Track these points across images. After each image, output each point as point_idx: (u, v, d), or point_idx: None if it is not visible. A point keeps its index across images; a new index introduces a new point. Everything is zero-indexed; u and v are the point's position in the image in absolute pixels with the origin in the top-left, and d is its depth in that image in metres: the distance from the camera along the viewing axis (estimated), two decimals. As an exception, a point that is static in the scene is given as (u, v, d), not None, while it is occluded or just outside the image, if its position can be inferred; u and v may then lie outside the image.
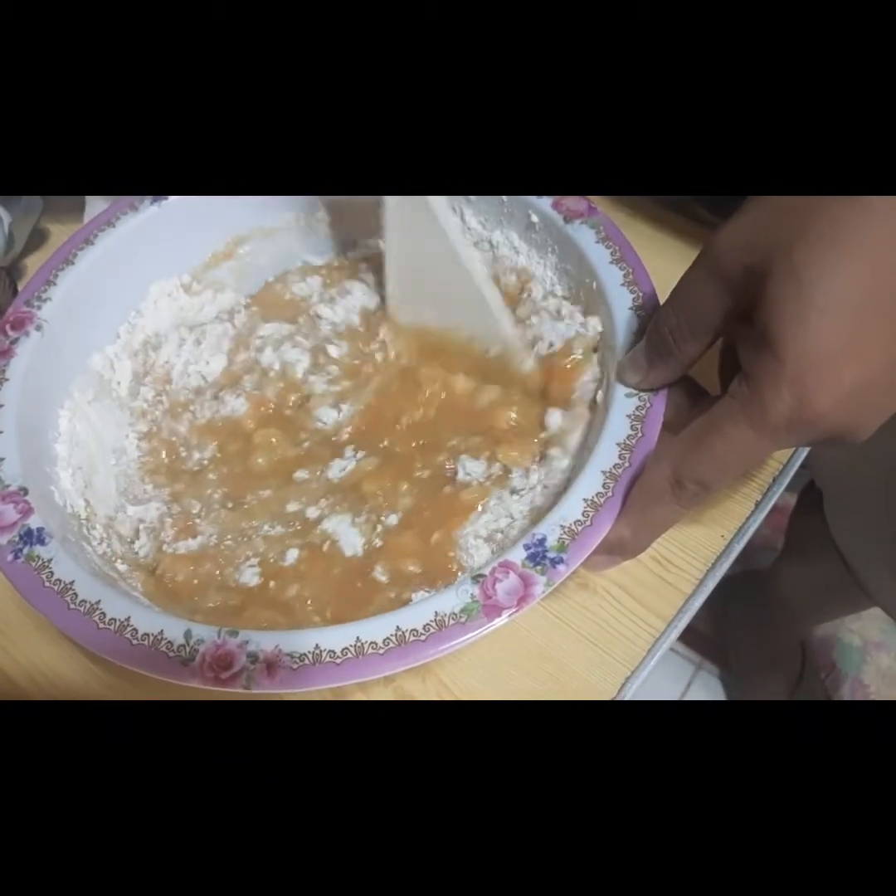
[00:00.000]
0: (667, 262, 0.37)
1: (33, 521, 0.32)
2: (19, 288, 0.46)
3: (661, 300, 0.35)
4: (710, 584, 0.37)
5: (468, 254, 0.38)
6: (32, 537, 0.32)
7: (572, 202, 0.39)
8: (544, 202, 0.39)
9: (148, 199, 0.41)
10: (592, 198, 0.39)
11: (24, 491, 0.33)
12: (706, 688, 1.02)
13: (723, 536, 0.38)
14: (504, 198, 0.41)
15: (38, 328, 0.38)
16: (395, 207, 0.38)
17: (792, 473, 0.40)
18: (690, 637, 1.04)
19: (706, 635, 1.02)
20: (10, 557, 0.31)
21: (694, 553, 0.38)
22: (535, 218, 0.40)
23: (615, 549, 0.30)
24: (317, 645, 0.28)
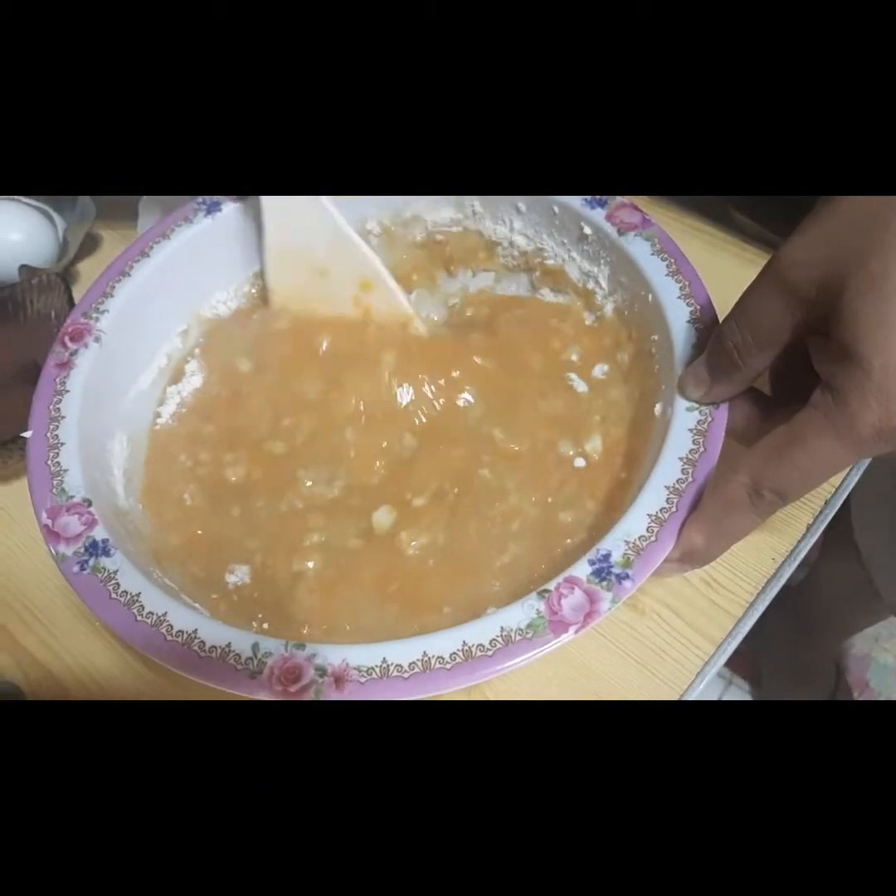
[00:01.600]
0: (719, 275, 0.37)
1: (98, 533, 0.33)
2: (73, 294, 0.47)
3: (718, 314, 0.35)
4: (760, 607, 0.37)
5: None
6: (97, 549, 0.32)
7: (626, 214, 0.39)
8: (598, 214, 0.39)
9: (202, 211, 0.42)
10: (644, 208, 0.39)
11: (88, 502, 0.33)
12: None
13: (773, 559, 0.38)
14: (555, 208, 0.41)
15: (97, 339, 0.38)
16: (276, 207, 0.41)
17: (845, 495, 0.40)
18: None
19: (737, 650, 1.01)
20: (76, 569, 0.32)
21: (744, 575, 0.38)
22: (587, 230, 0.40)
23: (687, 557, 0.30)
24: (384, 659, 0.28)
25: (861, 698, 0.98)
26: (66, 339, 0.38)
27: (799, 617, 0.94)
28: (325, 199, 0.40)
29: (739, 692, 1.02)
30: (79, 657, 0.38)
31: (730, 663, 1.03)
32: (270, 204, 0.41)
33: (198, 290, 0.43)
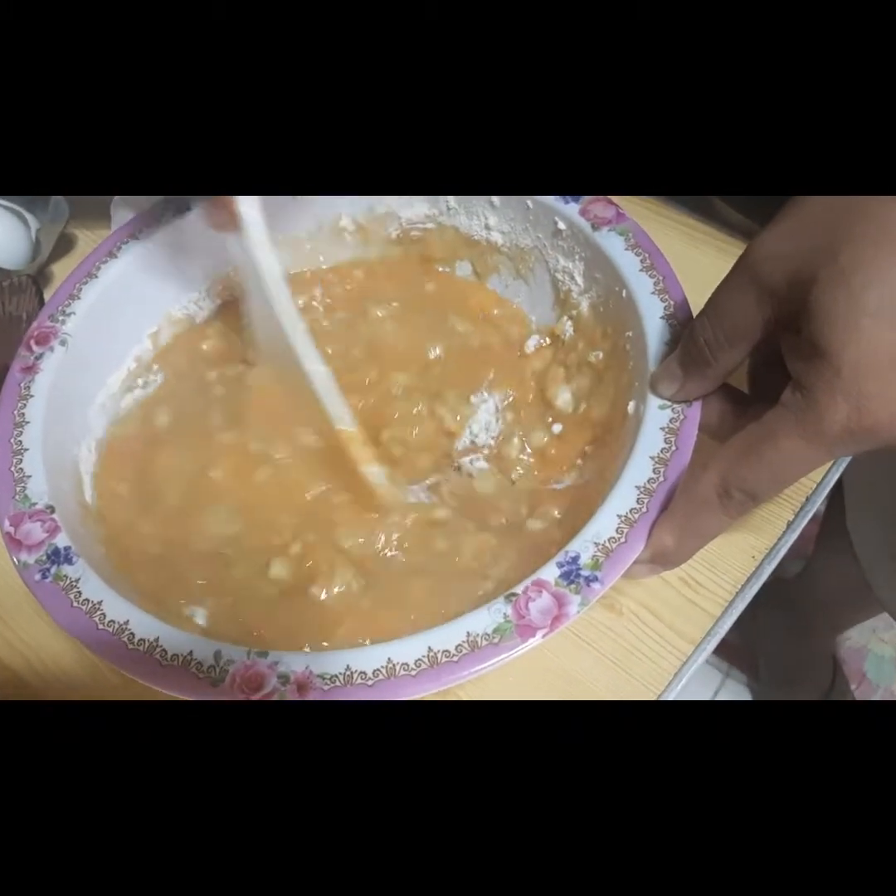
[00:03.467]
0: (697, 269, 0.36)
1: (60, 540, 0.32)
2: (45, 295, 0.46)
3: (693, 309, 0.35)
4: (740, 606, 0.37)
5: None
6: (59, 556, 0.32)
7: (600, 208, 0.38)
8: (572, 208, 0.39)
9: (170, 210, 0.41)
10: (623, 205, 0.38)
11: (51, 509, 0.33)
12: (734, 696, 1.01)
13: (753, 558, 0.38)
14: (528, 203, 0.40)
15: (63, 343, 0.37)
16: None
17: (825, 493, 0.39)
18: (718, 645, 1.02)
19: (734, 643, 1.01)
20: (37, 577, 0.31)
21: (723, 574, 0.37)
22: (561, 225, 0.39)
23: (657, 559, 0.29)
24: (348, 666, 0.28)
25: (858, 690, 0.97)
26: (32, 342, 0.37)
27: (795, 610, 0.93)
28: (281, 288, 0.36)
29: (737, 685, 1.02)
30: (45, 658, 0.38)
31: (727, 656, 1.02)
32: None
33: (168, 291, 0.42)
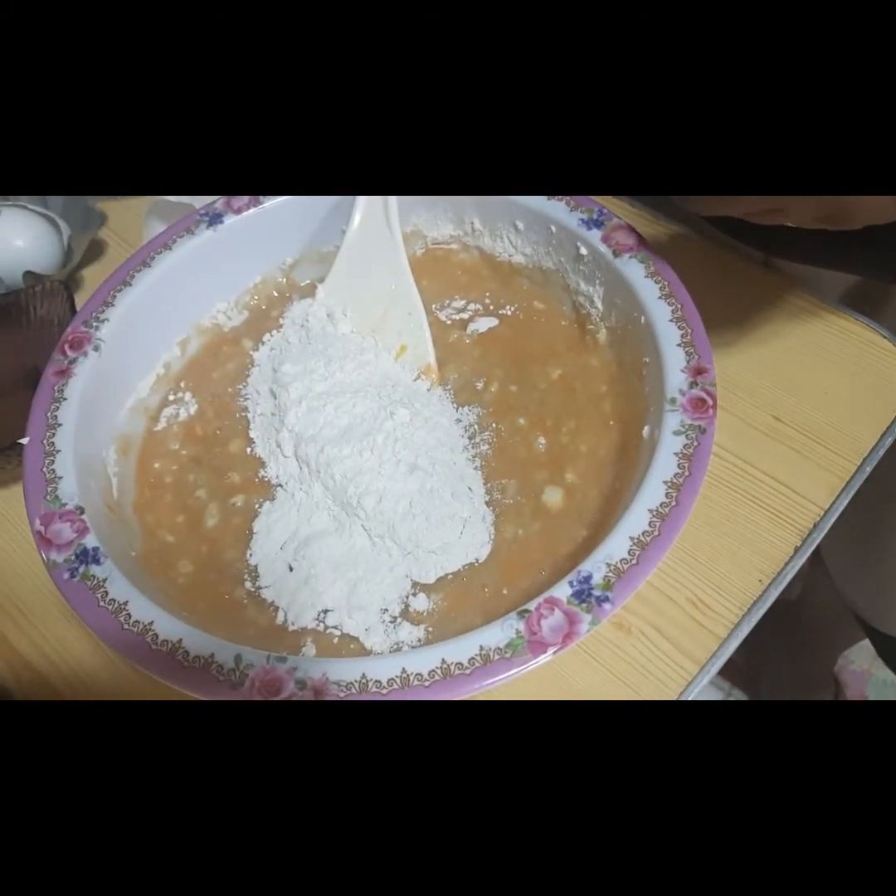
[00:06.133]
0: (715, 297, 0.37)
1: (89, 541, 0.33)
2: (76, 300, 0.48)
3: (710, 336, 0.36)
4: (745, 629, 0.37)
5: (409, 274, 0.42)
6: (88, 556, 0.33)
7: (622, 236, 0.39)
8: (594, 235, 0.40)
9: (204, 222, 0.42)
10: (645, 234, 0.39)
11: (81, 510, 0.34)
12: None
13: (760, 581, 0.38)
14: (552, 228, 0.41)
15: (96, 348, 0.39)
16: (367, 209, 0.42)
17: (834, 519, 0.40)
18: (720, 664, 1.03)
19: (737, 662, 1.01)
20: (66, 576, 0.32)
21: (730, 596, 0.38)
22: (583, 250, 0.40)
23: None
24: (363, 674, 0.29)
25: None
26: (66, 347, 0.39)
27: (796, 631, 0.93)
28: (401, 246, 0.42)
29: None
30: (69, 659, 0.39)
31: (729, 675, 1.03)
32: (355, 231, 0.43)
33: (198, 301, 0.44)
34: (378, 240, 0.42)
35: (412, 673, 0.29)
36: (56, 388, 0.37)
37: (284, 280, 0.46)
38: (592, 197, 0.41)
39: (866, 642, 0.93)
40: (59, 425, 0.36)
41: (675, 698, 0.36)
